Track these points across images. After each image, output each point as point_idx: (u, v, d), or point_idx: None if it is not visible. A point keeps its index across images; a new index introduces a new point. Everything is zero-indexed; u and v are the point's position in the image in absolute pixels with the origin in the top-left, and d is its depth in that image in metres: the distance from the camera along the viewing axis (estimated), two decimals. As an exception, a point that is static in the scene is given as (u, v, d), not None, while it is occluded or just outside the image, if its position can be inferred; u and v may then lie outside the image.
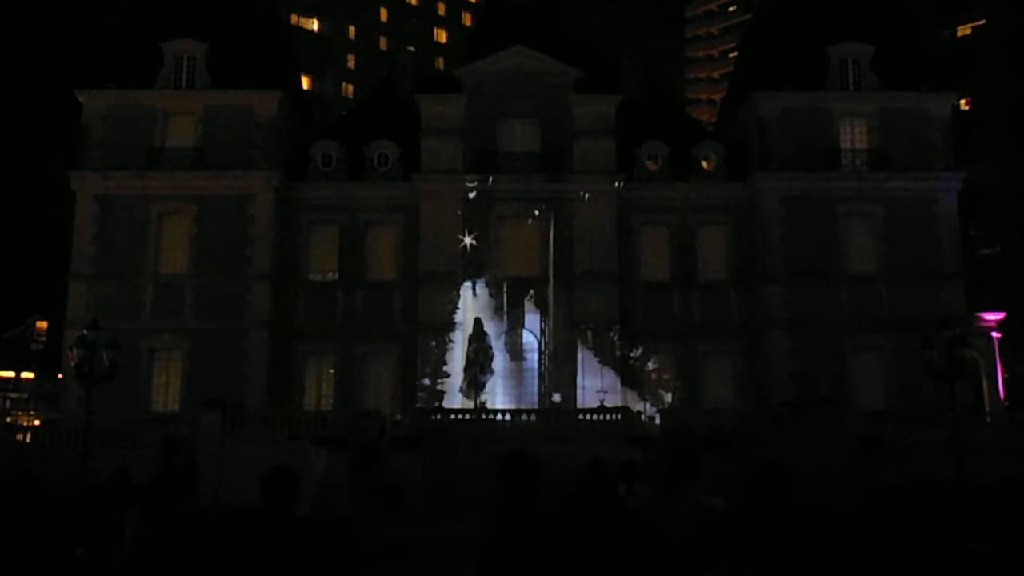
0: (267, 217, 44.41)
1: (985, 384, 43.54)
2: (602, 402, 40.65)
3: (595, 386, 42.88)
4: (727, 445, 35.19)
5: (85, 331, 29.27)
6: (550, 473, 33.08)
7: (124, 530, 11.95)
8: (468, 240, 44.32)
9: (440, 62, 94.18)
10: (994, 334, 44.15)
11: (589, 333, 43.87)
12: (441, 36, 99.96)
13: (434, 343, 43.79)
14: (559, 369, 43.80)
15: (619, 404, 40.93)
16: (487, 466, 34.21)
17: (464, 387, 41.33)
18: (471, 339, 41.82)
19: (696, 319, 44.94)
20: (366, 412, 39.26)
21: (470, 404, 41.01)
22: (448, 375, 43.33)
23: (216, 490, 30.93)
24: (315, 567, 17.50)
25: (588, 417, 38.19)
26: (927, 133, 45.35)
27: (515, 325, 44.30)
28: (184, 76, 45.44)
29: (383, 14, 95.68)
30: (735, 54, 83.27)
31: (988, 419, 39.89)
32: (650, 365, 44.63)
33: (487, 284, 44.30)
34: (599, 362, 43.60)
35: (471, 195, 44.85)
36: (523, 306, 44.28)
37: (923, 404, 37.78)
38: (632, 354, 44.39)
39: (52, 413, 48.17)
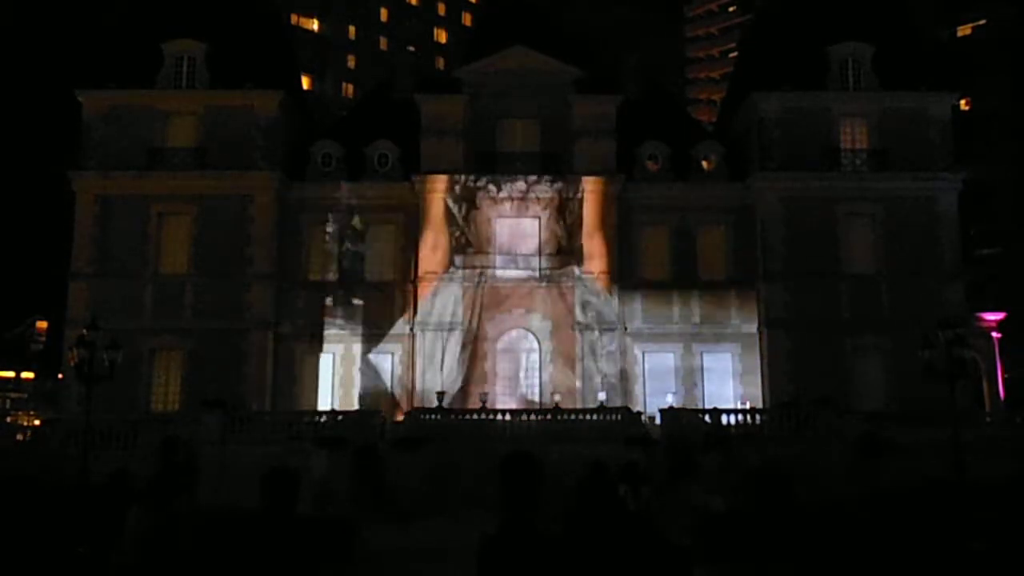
0: (267, 217, 44.43)
1: (985, 384, 43.55)
2: (602, 402, 40.71)
3: (595, 386, 42.93)
4: (727, 445, 35.22)
5: (85, 331, 29.33)
6: (550, 473, 33.06)
7: (124, 530, 11.96)
8: (465, 238, 44.36)
9: (440, 62, 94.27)
10: (994, 334, 44.16)
11: (589, 333, 43.92)
12: (441, 36, 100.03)
13: (433, 342, 43.83)
14: (559, 369, 43.82)
15: (619, 404, 40.96)
16: (487, 466, 34.18)
17: None
18: None
19: (696, 319, 44.96)
20: (366, 412, 39.25)
21: (469, 404, 41.10)
22: (447, 375, 43.38)
23: (216, 490, 30.93)
24: (315, 567, 17.50)
25: (588, 417, 38.15)
26: (927, 133, 45.31)
27: (515, 325, 44.33)
28: (184, 76, 45.44)
29: (383, 14, 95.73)
30: (735, 54, 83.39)
31: (988, 419, 39.90)
32: (651, 365, 44.62)
33: (487, 284, 44.29)
34: (599, 362, 43.61)
35: (471, 195, 44.90)
36: (523, 306, 44.32)
37: (923, 404, 37.71)
38: (633, 354, 44.44)
39: (52, 413, 48.16)
